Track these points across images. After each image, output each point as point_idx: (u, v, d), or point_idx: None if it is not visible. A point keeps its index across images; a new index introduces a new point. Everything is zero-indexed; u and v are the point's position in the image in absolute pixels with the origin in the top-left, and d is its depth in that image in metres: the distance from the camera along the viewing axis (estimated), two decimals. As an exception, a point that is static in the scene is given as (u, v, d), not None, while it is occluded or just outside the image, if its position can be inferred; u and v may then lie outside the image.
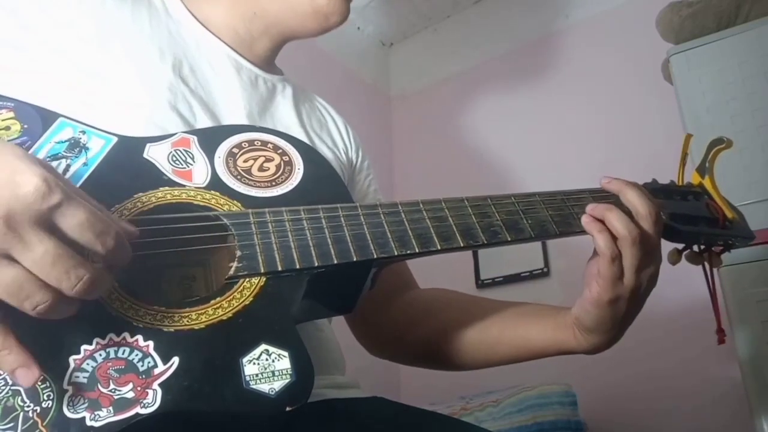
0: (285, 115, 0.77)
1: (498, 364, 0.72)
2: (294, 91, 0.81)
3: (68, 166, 0.50)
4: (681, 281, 1.46)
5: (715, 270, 0.71)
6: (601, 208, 0.59)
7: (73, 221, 0.38)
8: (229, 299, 0.47)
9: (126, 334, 0.43)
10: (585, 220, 0.59)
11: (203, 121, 0.66)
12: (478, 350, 0.71)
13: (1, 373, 0.39)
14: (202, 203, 0.53)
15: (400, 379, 2.07)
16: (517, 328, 0.68)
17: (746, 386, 1.17)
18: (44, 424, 0.38)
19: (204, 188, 0.54)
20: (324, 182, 0.59)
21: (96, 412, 0.39)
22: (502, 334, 0.69)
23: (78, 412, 0.39)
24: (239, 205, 0.54)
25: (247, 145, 0.59)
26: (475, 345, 0.71)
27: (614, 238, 0.57)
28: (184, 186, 0.54)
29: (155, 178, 0.53)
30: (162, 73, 0.65)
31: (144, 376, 0.41)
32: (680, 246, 0.70)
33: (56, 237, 0.37)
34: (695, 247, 0.70)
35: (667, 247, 0.69)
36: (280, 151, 0.60)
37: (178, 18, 0.72)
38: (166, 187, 0.53)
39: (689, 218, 0.67)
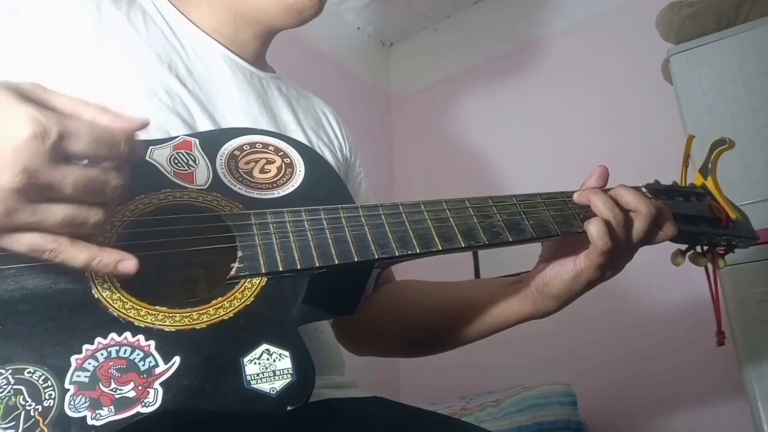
0: (282, 113, 0.78)
1: (469, 342, 0.75)
2: (288, 89, 0.82)
3: None
4: (682, 282, 1.46)
5: (717, 271, 0.71)
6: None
7: (81, 144, 0.40)
8: (230, 299, 0.47)
9: (127, 334, 0.43)
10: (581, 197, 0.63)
11: (202, 121, 0.66)
12: (456, 335, 0.74)
13: (3, 372, 0.39)
14: (203, 205, 0.53)
15: (400, 379, 2.07)
16: (489, 308, 0.72)
17: (746, 386, 1.17)
18: (45, 422, 0.38)
19: (205, 190, 0.54)
20: (325, 184, 0.60)
21: (97, 411, 0.39)
22: (476, 317, 0.72)
23: (79, 411, 0.39)
24: (240, 206, 0.54)
25: (248, 147, 0.60)
26: (453, 330, 0.74)
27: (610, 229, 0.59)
28: (186, 188, 0.54)
29: (157, 180, 0.53)
30: (160, 74, 0.66)
31: (145, 376, 0.41)
32: (683, 247, 0.70)
33: (74, 163, 0.40)
34: (698, 248, 0.70)
35: (670, 248, 0.69)
36: (281, 153, 0.60)
37: (172, 20, 0.73)
38: (168, 189, 0.53)
39: (692, 219, 0.67)
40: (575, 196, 0.63)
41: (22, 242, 0.40)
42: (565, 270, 0.63)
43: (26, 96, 0.40)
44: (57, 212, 0.39)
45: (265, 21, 0.76)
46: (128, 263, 0.42)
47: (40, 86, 0.42)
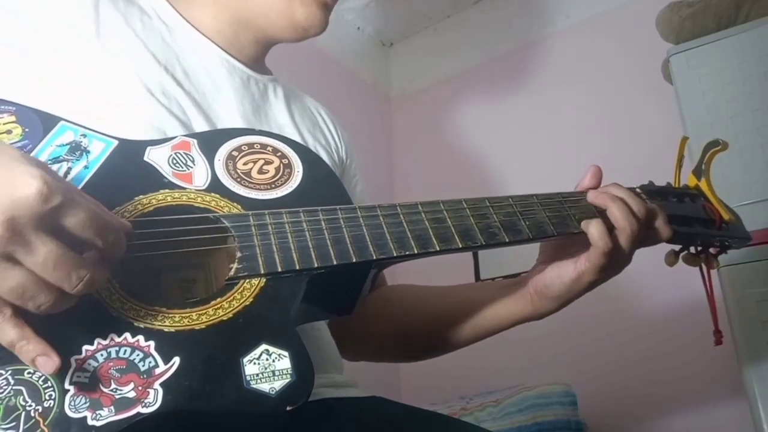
0: (278, 115, 0.78)
1: (466, 345, 0.76)
2: (285, 91, 0.82)
3: (69, 169, 0.50)
4: (681, 282, 1.46)
5: (713, 271, 0.71)
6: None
7: (75, 220, 0.39)
8: (229, 300, 0.47)
9: (127, 335, 0.43)
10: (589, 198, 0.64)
11: (198, 123, 0.66)
12: (451, 338, 0.74)
13: (3, 372, 0.40)
14: (202, 205, 0.53)
15: (400, 379, 2.07)
16: (486, 310, 0.72)
17: (746, 386, 1.17)
18: (46, 423, 0.38)
19: (204, 191, 0.55)
20: (323, 184, 0.60)
21: (97, 412, 0.39)
22: (473, 319, 0.72)
23: (79, 412, 0.39)
24: (239, 207, 0.54)
25: (246, 148, 0.60)
26: (448, 334, 0.74)
27: (610, 229, 0.60)
28: (185, 188, 0.54)
29: (156, 180, 0.53)
30: (157, 74, 0.66)
31: (145, 376, 0.41)
32: (677, 247, 0.71)
33: (57, 240, 0.38)
34: (692, 249, 0.70)
35: (664, 248, 0.70)
36: (280, 153, 0.60)
37: (169, 21, 0.73)
38: (167, 190, 0.53)
39: (686, 220, 0.67)
40: (590, 196, 0.64)
41: None
42: (566, 272, 0.63)
43: (39, 163, 0.40)
44: (13, 277, 0.38)
45: (268, 31, 0.76)
46: (47, 361, 0.39)
47: (49, 166, 0.43)
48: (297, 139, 0.76)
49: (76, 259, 0.39)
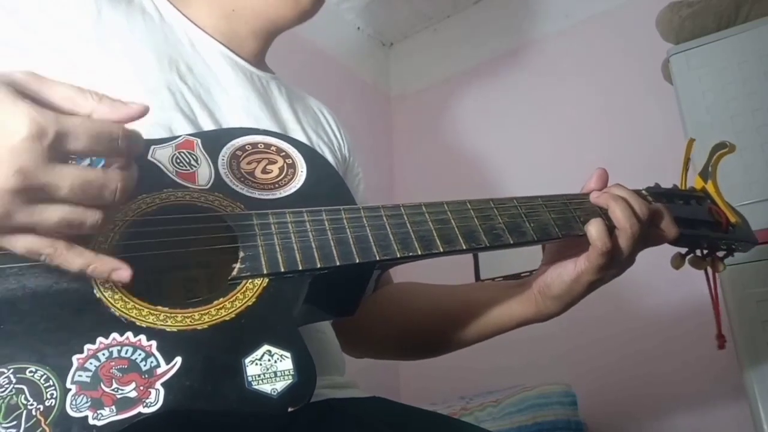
0: (283, 112, 0.78)
1: (469, 345, 0.76)
2: (287, 89, 0.82)
3: None
4: (682, 283, 1.46)
5: (717, 275, 0.71)
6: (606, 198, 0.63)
7: (79, 143, 0.39)
8: (231, 300, 0.47)
9: (129, 334, 0.43)
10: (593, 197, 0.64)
11: (203, 119, 0.66)
12: (455, 338, 0.74)
13: (4, 371, 0.39)
14: (205, 205, 0.53)
15: (400, 379, 2.07)
16: (490, 311, 0.72)
17: (746, 386, 1.17)
18: (47, 422, 0.38)
19: (207, 190, 0.54)
20: (326, 184, 0.60)
21: (98, 411, 0.39)
22: (477, 319, 0.72)
23: (80, 411, 0.39)
24: (242, 207, 0.54)
25: (250, 147, 0.60)
26: (452, 333, 0.74)
27: (609, 230, 0.60)
28: (188, 188, 0.54)
29: (159, 180, 0.53)
30: (160, 72, 0.66)
31: (147, 376, 0.41)
32: (683, 250, 0.70)
33: (73, 163, 0.39)
34: (698, 252, 0.70)
35: (670, 251, 0.70)
36: (284, 153, 0.60)
37: (171, 20, 0.73)
38: (170, 189, 0.53)
39: (692, 222, 0.67)
40: (593, 196, 0.63)
41: (19, 244, 0.40)
42: (566, 271, 0.63)
43: (23, 90, 0.39)
44: (54, 214, 0.39)
45: (263, 15, 0.76)
46: (122, 272, 0.42)
47: (35, 76, 0.41)
48: (301, 135, 0.76)
49: (99, 175, 0.40)
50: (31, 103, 0.38)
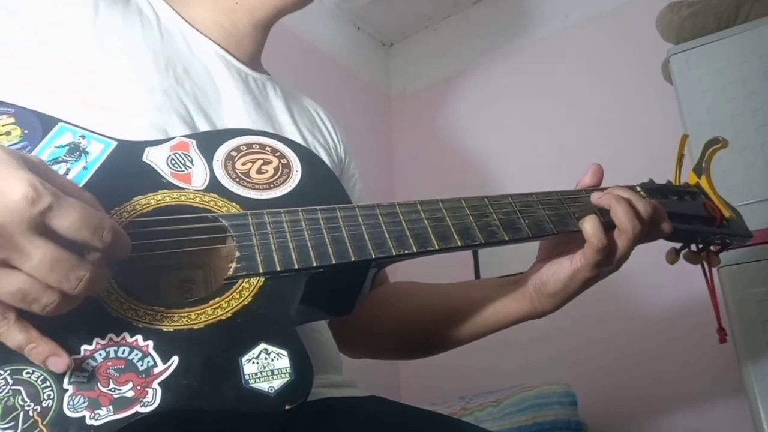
0: (278, 113, 0.78)
1: (466, 343, 0.76)
2: (283, 90, 0.82)
3: (68, 170, 0.50)
4: (681, 283, 1.46)
5: (714, 269, 0.71)
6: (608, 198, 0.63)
7: (67, 222, 0.38)
8: (228, 299, 0.47)
9: (126, 334, 0.43)
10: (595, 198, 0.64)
11: (199, 122, 0.66)
12: (452, 336, 0.74)
13: (1, 372, 0.40)
14: (200, 205, 0.53)
15: (400, 379, 2.07)
16: (486, 309, 0.71)
17: (746, 386, 1.17)
18: (44, 423, 0.38)
19: (203, 191, 0.54)
20: (321, 184, 0.60)
21: (96, 411, 0.39)
22: (473, 318, 0.72)
23: (78, 411, 0.39)
24: (238, 207, 0.54)
25: (245, 148, 0.60)
26: (449, 331, 0.74)
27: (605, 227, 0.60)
28: (183, 189, 0.54)
29: (154, 181, 0.53)
30: (157, 74, 0.66)
31: (144, 376, 0.41)
32: (678, 245, 0.71)
33: (52, 240, 0.38)
34: (693, 246, 0.70)
35: (665, 246, 0.70)
36: (278, 153, 0.60)
37: (168, 21, 0.73)
38: (165, 190, 0.53)
39: (686, 217, 0.67)
40: (595, 197, 0.63)
41: None
42: (562, 269, 0.63)
43: (30, 165, 0.39)
44: (12, 282, 0.38)
45: (263, 7, 0.77)
46: (59, 360, 0.39)
47: (45, 163, 0.42)
48: (296, 136, 0.76)
49: (72, 259, 0.38)
50: (35, 174, 0.38)
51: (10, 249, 0.37)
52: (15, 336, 0.39)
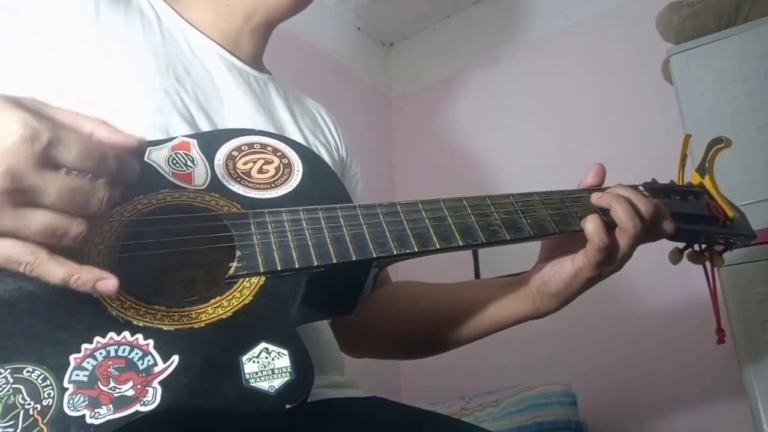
0: (279, 112, 0.78)
1: (468, 342, 0.76)
2: (284, 90, 0.82)
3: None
4: (682, 283, 1.46)
5: (716, 269, 0.71)
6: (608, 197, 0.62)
7: (70, 154, 0.39)
8: (228, 298, 0.47)
9: (126, 333, 0.43)
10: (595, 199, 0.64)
11: (201, 122, 0.66)
12: (454, 336, 0.74)
13: (2, 371, 0.39)
14: (202, 205, 0.53)
15: (400, 379, 2.07)
16: (488, 309, 0.71)
17: (746, 386, 1.17)
18: (44, 421, 0.38)
19: (204, 190, 0.55)
20: (323, 183, 0.60)
21: (96, 410, 0.39)
22: (475, 318, 0.72)
23: (78, 410, 0.39)
24: (239, 206, 0.54)
25: (246, 147, 0.60)
26: (451, 331, 0.74)
27: (606, 225, 0.60)
28: (185, 188, 0.54)
29: (155, 181, 0.53)
30: (158, 74, 0.66)
31: (144, 374, 0.41)
32: (681, 245, 0.70)
33: (62, 171, 0.39)
34: (696, 246, 0.70)
35: (668, 246, 0.70)
36: (279, 153, 0.60)
37: (169, 22, 0.73)
38: (167, 190, 0.53)
39: (689, 217, 0.67)
40: (594, 198, 0.63)
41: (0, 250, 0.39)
42: (564, 269, 0.63)
43: (23, 105, 0.39)
44: (38, 219, 0.38)
45: (256, 8, 0.76)
46: (107, 282, 0.41)
47: (40, 101, 0.41)
48: (298, 136, 0.76)
49: (86, 183, 0.39)
50: (30, 111, 0.38)
51: (25, 189, 0.37)
52: (56, 271, 0.39)
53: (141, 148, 0.44)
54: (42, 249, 0.39)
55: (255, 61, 0.80)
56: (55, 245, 0.40)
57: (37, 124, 0.38)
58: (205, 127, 0.66)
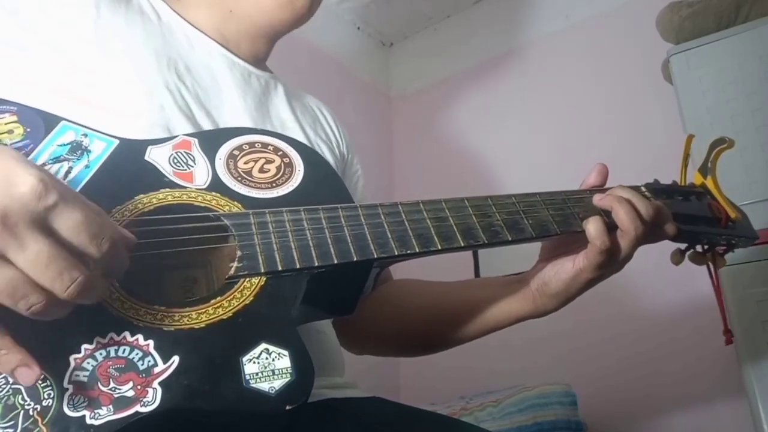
0: (280, 110, 0.78)
1: (468, 341, 0.76)
2: (285, 88, 0.82)
3: (70, 169, 0.50)
4: (682, 284, 1.46)
5: (718, 270, 0.71)
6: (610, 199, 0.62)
7: (68, 222, 0.38)
8: (229, 299, 0.47)
9: (126, 333, 0.43)
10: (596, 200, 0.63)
11: (201, 119, 0.66)
12: (454, 334, 0.74)
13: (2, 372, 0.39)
14: (202, 204, 0.53)
15: (400, 380, 2.07)
16: (489, 308, 0.71)
17: (746, 386, 1.17)
18: (44, 422, 0.38)
19: (205, 190, 0.54)
20: (324, 183, 0.59)
21: (96, 411, 0.39)
22: (475, 317, 0.72)
23: (78, 411, 0.39)
24: (240, 206, 0.54)
25: (247, 147, 0.60)
26: (451, 330, 0.74)
27: (607, 228, 0.60)
28: (186, 188, 0.54)
29: (156, 179, 0.53)
30: (159, 72, 0.66)
31: (144, 375, 0.41)
32: (683, 246, 0.70)
33: (52, 238, 0.37)
34: (698, 247, 0.70)
35: (669, 246, 0.69)
36: (281, 152, 0.60)
37: (169, 21, 0.73)
38: (167, 189, 0.53)
39: (691, 218, 0.67)
40: (596, 199, 0.63)
41: None
42: (564, 269, 0.63)
43: (40, 167, 0.39)
44: (3, 275, 0.36)
45: (258, 19, 0.77)
46: (28, 372, 0.38)
47: (52, 174, 0.41)
48: (299, 134, 0.76)
49: (69, 259, 0.37)
50: (47, 172, 0.38)
51: (10, 239, 0.36)
52: None
53: (131, 247, 0.43)
54: None
55: (256, 60, 0.80)
56: (6, 306, 0.37)
57: (50, 185, 0.37)
58: (205, 124, 0.66)
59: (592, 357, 1.70)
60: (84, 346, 0.41)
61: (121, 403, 0.40)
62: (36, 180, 0.37)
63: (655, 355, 1.62)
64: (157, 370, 0.42)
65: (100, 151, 0.52)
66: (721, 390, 1.49)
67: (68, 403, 0.39)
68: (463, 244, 0.56)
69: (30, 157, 0.49)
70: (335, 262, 0.51)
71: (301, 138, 0.75)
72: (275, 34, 0.80)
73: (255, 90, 0.76)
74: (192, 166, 0.56)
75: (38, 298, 0.37)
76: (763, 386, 1.15)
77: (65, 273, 0.37)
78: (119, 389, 0.40)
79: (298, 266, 0.50)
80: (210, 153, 0.58)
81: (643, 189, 0.68)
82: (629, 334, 1.67)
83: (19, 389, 0.39)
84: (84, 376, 0.40)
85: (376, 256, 0.52)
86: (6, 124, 0.50)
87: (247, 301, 0.47)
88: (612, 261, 0.61)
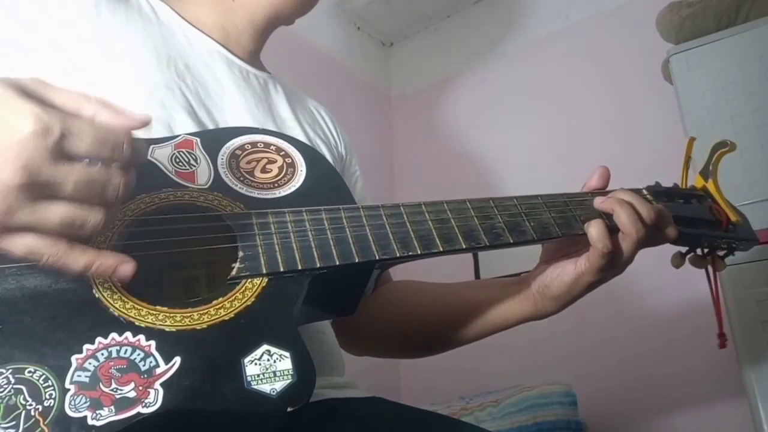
0: (280, 109, 0.78)
1: (468, 342, 0.76)
2: (284, 87, 0.83)
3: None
4: (683, 284, 1.46)
5: (718, 273, 0.71)
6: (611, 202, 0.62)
7: (83, 144, 0.39)
8: (231, 300, 0.47)
9: (128, 334, 0.43)
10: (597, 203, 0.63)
11: (202, 117, 0.66)
12: (455, 336, 0.74)
13: (3, 371, 0.39)
14: (204, 204, 0.53)
15: (400, 380, 2.07)
16: (489, 309, 0.72)
17: (746, 386, 1.17)
18: (46, 422, 0.38)
19: (207, 189, 0.54)
20: (326, 184, 0.59)
21: (97, 411, 0.39)
22: (476, 318, 0.72)
23: (80, 411, 0.39)
24: (242, 206, 0.54)
25: (250, 147, 0.60)
26: (452, 331, 0.74)
27: (609, 230, 0.59)
28: (187, 187, 0.54)
29: (158, 179, 0.53)
30: (159, 71, 0.66)
31: (146, 376, 0.41)
32: (683, 249, 0.70)
33: (76, 160, 0.39)
34: (699, 251, 0.70)
35: (666, 251, 0.69)
36: (283, 153, 0.60)
37: (168, 21, 0.73)
38: (169, 189, 0.53)
39: (692, 221, 0.67)
40: (597, 202, 0.63)
41: (20, 245, 0.39)
42: (566, 272, 0.63)
43: (28, 92, 0.39)
44: (56, 212, 0.39)
45: (261, 8, 0.77)
46: (127, 266, 0.42)
47: (41, 82, 0.41)
48: (299, 132, 0.76)
49: (102, 171, 0.40)
50: (37, 102, 0.38)
51: (43, 183, 0.38)
52: (77, 260, 0.40)
53: (148, 123, 0.44)
54: (61, 240, 0.40)
55: (253, 59, 0.81)
56: (74, 236, 0.40)
57: (48, 117, 0.38)
58: (206, 120, 0.66)
59: (592, 357, 1.70)
60: (86, 346, 0.41)
61: (123, 403, 0.40)
62: (33, 119, 0.37)
63: (655, 356, 1.62)
64: (158, 370, 0.42)
65: None
66: (721, 390, 1.49)
67: (70, 404, 0.39)
68: (464, 246, 0.55)
69: None
70: (337, 263, 0.51)
71: (301, 137, 0.75)
72: (277, 22, 0.81)
73: (254, 89, 0.76)
74: (194, 166, 0.56)
75: (97, 215, 0.40)
76: (763, 387, 1.15)
77: (107, 184, 0.40)
78: (121, 390, 0.40)
79: (299, 267, 0.50)
80: (212, 153, 0.58)
81: (645, 192, 0.68)
82: (629, 334, 1.67)
83: (21, 389, 0.39)
84: (86, 376, 0.40)
85: (378, 258, 0.52)
86: None
87: (248, 302, 0.47)
88: (613, 264, 0.61)
